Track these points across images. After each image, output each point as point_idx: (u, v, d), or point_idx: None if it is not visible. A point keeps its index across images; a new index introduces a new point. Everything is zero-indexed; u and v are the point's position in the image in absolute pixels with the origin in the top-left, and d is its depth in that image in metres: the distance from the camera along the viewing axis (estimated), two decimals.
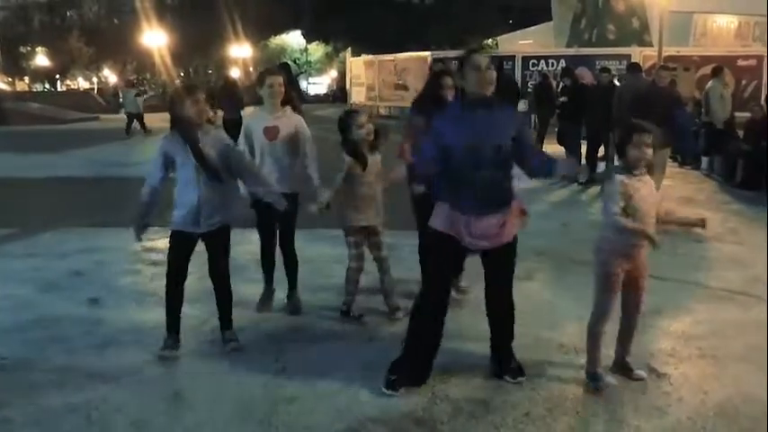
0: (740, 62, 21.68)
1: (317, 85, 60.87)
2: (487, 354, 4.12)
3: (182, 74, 48.28)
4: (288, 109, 5.05)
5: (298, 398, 3.81)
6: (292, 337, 4.70)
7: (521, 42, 31.28)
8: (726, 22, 26.97)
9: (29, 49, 48.58)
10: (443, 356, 4.24)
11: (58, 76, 50.76)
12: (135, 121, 20.87)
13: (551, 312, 4.90)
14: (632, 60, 15.81)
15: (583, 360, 4.10)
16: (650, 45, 23.37)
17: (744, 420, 3.53)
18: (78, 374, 4.15)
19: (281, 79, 5.00)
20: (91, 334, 4.80)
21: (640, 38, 25.93)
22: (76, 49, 45.53)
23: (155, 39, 31.33)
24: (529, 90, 19.52)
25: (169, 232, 4.49)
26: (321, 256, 6.42)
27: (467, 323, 4.67)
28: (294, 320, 5.03)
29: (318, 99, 48.40)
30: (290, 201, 5.05)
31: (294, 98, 5.13)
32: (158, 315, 4.74)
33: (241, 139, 5.08)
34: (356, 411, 3.65)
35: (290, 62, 42.99)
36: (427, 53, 26.37)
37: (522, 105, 19.92)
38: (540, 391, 3.86)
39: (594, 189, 10.36)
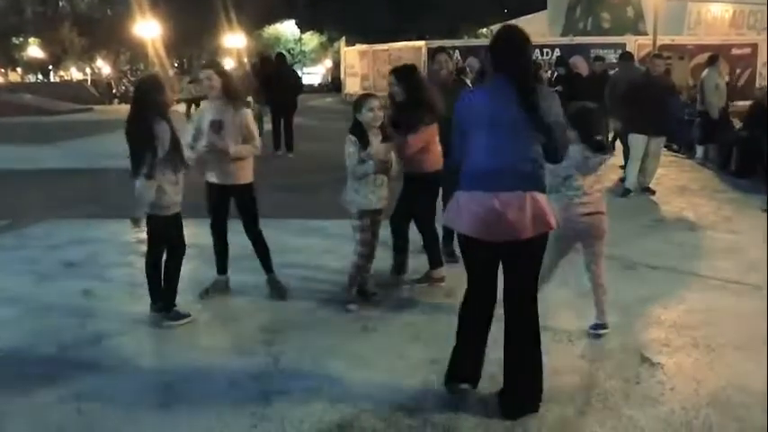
0: (735, 51, 21.68)
1: (311, 75, 60.67)
2: None
3: (176, 64, 47.99)
4: (236, 102, 5.02)
5: (290, 389, 3.80)
6: (284, 329, 4.67)
7: None
8: (720, 11, 26.92)
9: (21, 39, 48.23)
10: (434, 348, 4.23)
11: (51, 67, 50.43)
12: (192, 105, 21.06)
13: (541, 300, 4.86)
14: (627, 49, 15.79)
15: (577, 349, 4.09)
16: (645, 34, 23.36)
17: (737, 409, 3.52)
18: (70, 366, 4.14)
19: (210, 72, 4.98)
20: (83, 326, 4.78)
21: (635, 27, 25.93)
22: (69, 40, 45.19)
23: (148, 29, 31.11)
24: None
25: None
26: (311, 246, 6.40)
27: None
28: (286, 311, 5.00)
29: (313, 89, 48.22)
30: (246, 190, 5.15)
31: (247, 89, 5.10)
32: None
33: (190, 131, 5.09)
34: (349, 403, 3.63)
35: (284, 52, 42.78)
36: (422, 42, 26.29)
37: None
38: None
39: None
